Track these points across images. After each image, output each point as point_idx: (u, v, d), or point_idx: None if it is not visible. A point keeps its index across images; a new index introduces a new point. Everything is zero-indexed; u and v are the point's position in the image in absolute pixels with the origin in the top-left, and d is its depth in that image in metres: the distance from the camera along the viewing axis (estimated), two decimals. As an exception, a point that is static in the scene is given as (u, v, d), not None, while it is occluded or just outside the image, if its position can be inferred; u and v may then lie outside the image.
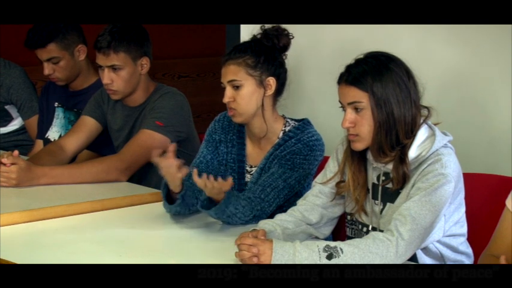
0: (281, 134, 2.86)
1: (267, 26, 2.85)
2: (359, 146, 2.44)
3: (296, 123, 2.87)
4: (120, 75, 3.31)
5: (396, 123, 2.37)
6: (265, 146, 2.89)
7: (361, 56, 2.44)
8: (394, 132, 2.38)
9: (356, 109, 2.40)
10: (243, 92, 2.78)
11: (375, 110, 2.37)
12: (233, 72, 2.78)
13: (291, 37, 2.86)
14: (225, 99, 2.79)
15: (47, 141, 3.83)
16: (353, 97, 2.40)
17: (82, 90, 3.80)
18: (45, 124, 3.93)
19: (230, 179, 2.54)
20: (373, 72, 2.37)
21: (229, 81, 2.78)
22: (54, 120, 3.87)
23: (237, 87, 2.78)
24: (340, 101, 2.44)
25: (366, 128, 2.40)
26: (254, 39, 2.84)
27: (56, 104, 3.89)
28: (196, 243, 2.54)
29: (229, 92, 2.79)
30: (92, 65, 3.75)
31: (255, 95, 2.80)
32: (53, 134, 3.86)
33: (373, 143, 2.41)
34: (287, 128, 2.86)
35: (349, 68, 2.43)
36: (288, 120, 2.89)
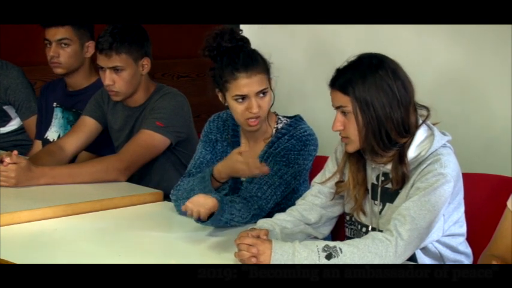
0: (274, 132, 2.87)
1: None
2: (350, 148, 2.46)
3: (288, 120, 2.89)
4: (122, 76, 3.31)
5: (384, 124, 2.37)
6: (259, 144, 2.89)
7: (352, 58, 2.44)
8: (384, 133, 2.38)
9: (343, 113, 2.41)
10: (268, 98, 2.79)
11: (359, 114, 2.38)
12: (262, 81, 2.77)
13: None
14: (254, 110, 2.76)
15: (46, 142, 3.83)
16: (338, 101, 2.42)
17: (81, 90, 3.80)
18: (44, 124, 3.93)
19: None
20: (356, 77, 2.38)
21: (258, 92, 2.76)
22: (53, 120, 3.87)
23: (264, 95, 2.78)
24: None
25: (352, 131, 2.41)
26: (251, 49, 2.84)
27: (55, 104, 3.88)
28: (196, 243, 2.54)
29: (256, 100, 2.76)
30: (92, 65, 3.75)
31: (271, 98, 2.82)
32: (51, 134, 3.86)
33: (363, 146, 2.42)
34: (279, 125, 2.87)
35: (337, 71, 2.44)
36: (280, 117, 2.91)
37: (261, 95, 2.77)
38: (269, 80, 2.80)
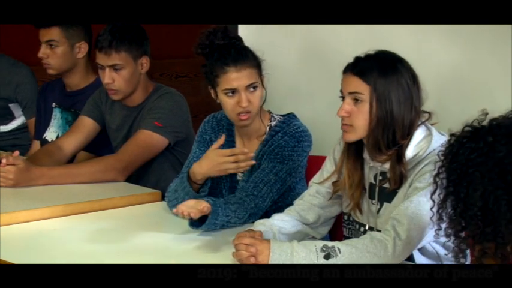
0: (267, 130, 2.87)
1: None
2: (350, 137, 2.44)
3: (281, 117, 2.89)
4: (121, 74, 3.31)
5: (394, 122, 2.38)
6: (254, 143, 2.90)
7: (371, 52, 2.44)
8: (391, 131, 2.38)
9: (355, 100, 2.40)
10: (259, 92, 2.80)
11: (374, 104, 2.37)
12: (252, 76, 2.78)
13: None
14: (243, 104, 2.77)
15: (44, 142, 3.82)
16: (355, 87, 2.40)
17: (79, 91, 3.79)
18: (42, 124, 3.92)
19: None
20: (379, 68, 2.38)
21: (248, 85, 2.77)
22: (52, 120, 3.86)
23: (255, 89, 2.79)
24: (341, 90, 2.45)
25: (360, 120, 2.40)
26: (243, 45, 2.85)
27: (54, 104, 3.87)
28: (196, 243, 2.53)
29: (245, 94, 2.77)
30: (90, 65, 3.74)
31: (262, 94, 2.82)
32: (50, 134, 3.85)
33: (369, 139, 2.41)
34: (273, 123, 2.88)
35: (357, 59, 2.43)
36: (274, 115, 2.91)
37: (251, 89, 2.78)
38: (260, 76, 2.81)
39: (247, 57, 2.78)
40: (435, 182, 1.93)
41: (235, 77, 2.76)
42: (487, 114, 1.91)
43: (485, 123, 1.90)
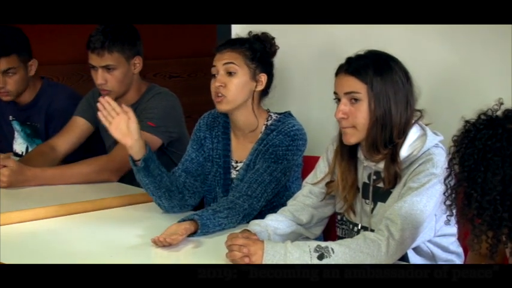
0: (263, 128, 2.87)
1: (255, 31, 2.90)
2: (353, 139, 2.43)
3: (278, 116, 2.89)
4: (114, 75, 3.31)
5: (392, 120, 2.38)
6: (249, 140, 2.90)
7: (362, 52, 2.44)
8: (389, 130, 2.39)
9: (352, 100, 2.39)
10: (236, 80, 2.79)
11: (372, 103, 2.37)
12: (231, 57, 2.79)
13: (277, 47, 2.91)
14: (216, 84, 2.78)
15: (16, 154, 3.79)
16: (351, 87, 2.39)
17: (31, 103, 3.75)
18: (7, 137, 3.87)
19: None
20: (374, 66, 2.38)
21: (225, 64, 2.78)
22: (15, 133, 3.84)
23: (230, 74, 2.79)
24: (335, 92, 2.44)
25: (360, 120, 2.39)
26: (249, 38, 2.88)
27: (11, 117, 3.84)
28: (196, 243, 2.54)
29: (222, 77, 2.79)
30: (36, 76, 3.71)
31: (247, 87, 2.81)
32: (19, 146, 3.84)
33: (367, 138, 2.41)
34: (269, 122, 2.88)
35: (349, 59, 2.43)
36: (271, 114, 2.91)
37: (229, 73, 2.79)
38: (251, 66, 2.81)
39: (241, 44, 2.81)
40: (449, 166, 1.94)
41: (218, 57, 2.81)
42: (502, 104, 1.92)
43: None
